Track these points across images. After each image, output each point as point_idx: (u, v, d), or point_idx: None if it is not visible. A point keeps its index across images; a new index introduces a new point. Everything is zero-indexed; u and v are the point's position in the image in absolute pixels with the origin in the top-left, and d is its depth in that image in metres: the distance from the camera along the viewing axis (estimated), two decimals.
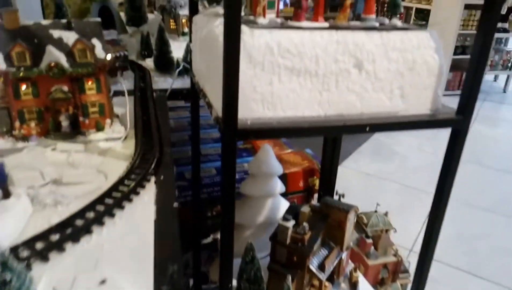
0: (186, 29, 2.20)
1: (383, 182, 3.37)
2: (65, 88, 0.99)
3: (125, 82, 1.63)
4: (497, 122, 4.85)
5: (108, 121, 1.06)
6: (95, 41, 1.02)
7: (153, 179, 0.86)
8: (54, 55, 0.96)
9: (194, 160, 1.72)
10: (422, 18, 6.69)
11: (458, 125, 0.92)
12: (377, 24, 0.94)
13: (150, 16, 2.40)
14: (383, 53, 0.89)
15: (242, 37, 0.79)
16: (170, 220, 0.72)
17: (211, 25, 0.99)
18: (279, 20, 0.91)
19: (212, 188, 1.79)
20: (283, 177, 1.71)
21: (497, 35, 5.42)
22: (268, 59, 0.84)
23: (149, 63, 1.89)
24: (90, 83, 1.01)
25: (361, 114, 0.92)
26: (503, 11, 5.34)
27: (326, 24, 0.90)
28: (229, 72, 0.78)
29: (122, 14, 2.28)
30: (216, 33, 0.91)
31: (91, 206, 0.73)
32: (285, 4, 1.09)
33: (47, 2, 1.98)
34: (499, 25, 5.38)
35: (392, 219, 1.54)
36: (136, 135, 1.02)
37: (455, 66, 5.37)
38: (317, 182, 1.91)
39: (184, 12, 2.21)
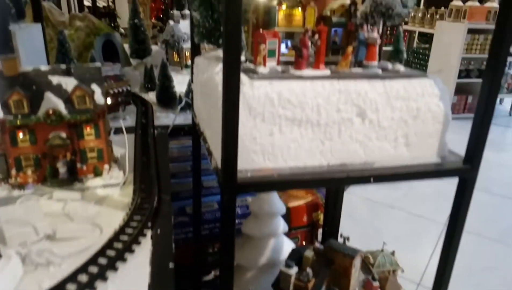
0: (189, 62, 2.20)
1: (389, 210, 3.30)
2: (63, 134, 0.98)
3: (127, 117, 1.63)
4: (503, 146, 4.79)
5: (106, 166, 1.03)
6: (94, 86, 1.00)
7: (149, 233, 0.83)
8: (52, 102, 0.95)
9: (195, 195, 1.69)
10: (425, 41, 6.72)
11: (466, 175, 0.89)
12: (379, 71, 0.92)
13: (154, 47, 2.42)
14: (386, 101, 0.86)
15: (241, 88, 0.77)
16: (165, 284, 0.68)
17: (211, 70, 0.98)
18: (280, 68, 0.90)
19: (213, 224, 1.75)
20: (286, 212, 1.67)
21: None
22: (268, 110, 0.82)
23: (152, 96, 1.89)
24: (88, 129, 1.00)
25: (364, 163, 0.89)
26: None
27: (328, 72, 0.89)
28: (228, 125, 0.76)
29: (126, 46, 2.30)
30: (216, 81, 0.89)
31: (83, 268, 0.70)
32: (288, 47, 1.08)
33: (51, 36, 2.00)
34: None
35: (398, 251, 1.48)
36: (135, 182, 1.00)
37: (459, 90, 5.35)
38: (321, 217, 1.86)
39: (188, 45, 2.21)
